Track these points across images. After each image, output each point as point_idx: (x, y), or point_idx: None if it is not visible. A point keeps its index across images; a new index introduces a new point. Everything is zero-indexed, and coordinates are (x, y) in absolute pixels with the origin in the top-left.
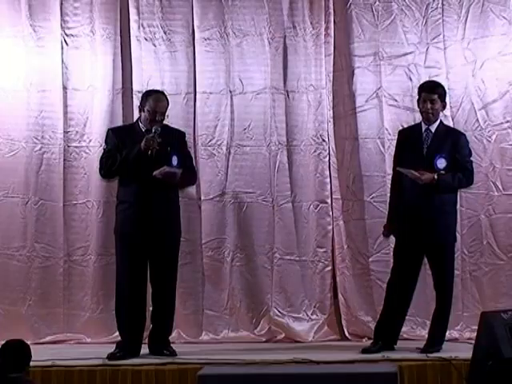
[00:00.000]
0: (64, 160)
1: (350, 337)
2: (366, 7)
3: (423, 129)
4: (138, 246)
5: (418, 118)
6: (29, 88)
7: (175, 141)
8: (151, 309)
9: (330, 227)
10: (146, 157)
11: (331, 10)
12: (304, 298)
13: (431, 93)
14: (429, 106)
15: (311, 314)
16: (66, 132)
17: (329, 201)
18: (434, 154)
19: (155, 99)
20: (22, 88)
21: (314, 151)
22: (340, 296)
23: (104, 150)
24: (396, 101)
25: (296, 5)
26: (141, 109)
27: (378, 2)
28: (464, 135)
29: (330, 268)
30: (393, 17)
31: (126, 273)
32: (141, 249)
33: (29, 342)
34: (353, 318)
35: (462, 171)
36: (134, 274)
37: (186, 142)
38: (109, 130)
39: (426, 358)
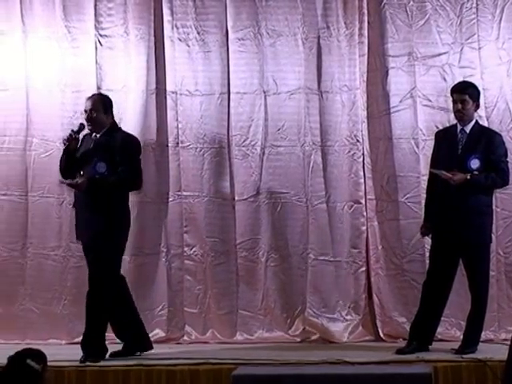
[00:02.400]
0: None
1: (384, 337)
2: (400, 7)
3: (458, 129)
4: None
5: (453, 118)
6: (63, 89)
7: (118, 147)
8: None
9: (364, 228)
10: (73, 156)
11: (365, 10)
12: (338, 299)
13: (461, 93)
14: (460, 106)
15: (346, 315)
16: None
17: (363, 201)
18: (468, 155)
19: (85, 100)
20: (56, 88)
21: (348, 151)
22: (374, 296)
23: None
24: (430, 101)
25: (330, 5)
26: None
27: (412, 2)
28: (499, 135)
29: (364, 268)
30: (427, 17)
31: None
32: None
33: (63, 342)
34: (387, 318)
35: (496, 171)
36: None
37: (131, 148)
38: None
39: (461, 359)
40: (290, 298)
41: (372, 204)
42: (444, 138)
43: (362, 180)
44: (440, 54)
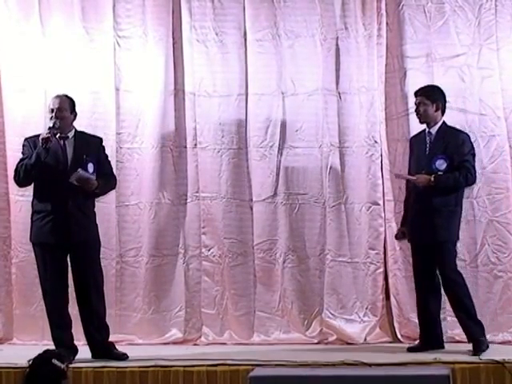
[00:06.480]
0: (116, 161)
1: (401, 339)
2: (419, 8)
3: (426, 132)
4: (58, 255)
5: (471, 119)
6: (81, 89)
7: (92, 147)
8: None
9: (382, 229)
10: (47, 152)
11: (383, 12)
12: (356, 300)
13: (416, 95)
14: (416, 108)
15: (363, 316)
16: (118, 133)
17: (381, 202)
18: (433, 156)
19: (51, 99)
20: (74, 89)
21: (366, 153)
22: (392, 298)
23: (20, 159)
24: (448, 102)
25: (348, 6)
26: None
27: (430, 3)
28: (464, 133)
29: (381, 270)
30: (445, 18)
31: (49, 283)
32: (61, 258)
33: (81, 343)
34: (405, 319)
35: (460, 170)
36: (56, 283)
37: (104, 147)
38: (25, 139)
39: (479, 361)
40: (307, 299)
41: (390, 205)
42: (415, 142)
43: (380, 181)
44: (458, 55)
